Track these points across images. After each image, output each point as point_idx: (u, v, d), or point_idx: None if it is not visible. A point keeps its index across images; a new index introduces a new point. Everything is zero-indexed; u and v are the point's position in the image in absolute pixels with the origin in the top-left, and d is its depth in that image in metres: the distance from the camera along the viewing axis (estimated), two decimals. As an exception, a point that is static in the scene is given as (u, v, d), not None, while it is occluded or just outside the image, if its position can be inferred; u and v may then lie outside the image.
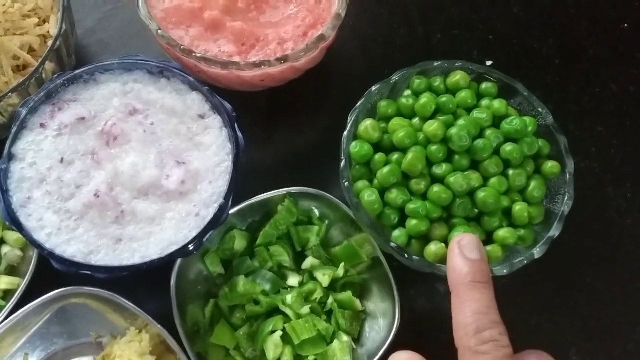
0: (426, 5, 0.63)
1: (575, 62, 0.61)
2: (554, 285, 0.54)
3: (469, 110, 0.48)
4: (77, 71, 0.46)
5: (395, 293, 0.47)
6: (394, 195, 0.45)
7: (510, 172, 0.46)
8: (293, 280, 0.49)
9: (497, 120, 0.47)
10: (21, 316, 0.45)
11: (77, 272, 0.42)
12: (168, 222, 0.43)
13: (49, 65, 0.50)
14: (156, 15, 0.50)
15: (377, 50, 0.61)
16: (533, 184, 0.46)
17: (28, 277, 0.47)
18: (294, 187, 0.50)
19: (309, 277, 0.50)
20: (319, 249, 0.50)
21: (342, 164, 0.46)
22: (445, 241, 0.44)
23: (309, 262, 0.50)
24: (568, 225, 0.46)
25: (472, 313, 0.37)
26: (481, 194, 0.45)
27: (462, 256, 0.40)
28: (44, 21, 0.52)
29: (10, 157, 0.43)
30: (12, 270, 0.50)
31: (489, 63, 0.60)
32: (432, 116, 0.47)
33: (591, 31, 0.63)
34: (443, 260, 0.43)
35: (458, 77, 0.49)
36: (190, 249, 0.43)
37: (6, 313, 0.46)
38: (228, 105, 0.46)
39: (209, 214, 0.44)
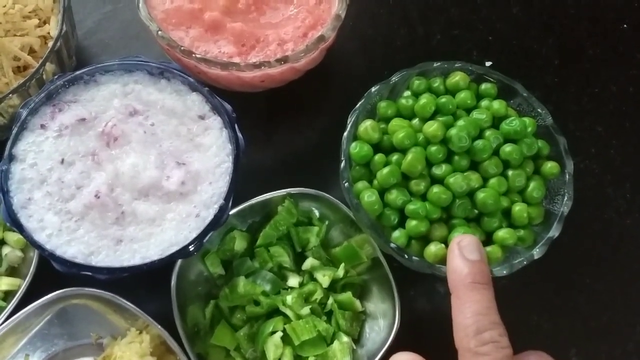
0: (426, 5, 0.63)
1: (575, 63, 0.61)
2: (553, 285, 0.54)
3: (468, 110, 0.48)
4: (78, 72, 0.46)
5: (395, 294, 0.47)
6: (394, 196, 0.45)
7: (510, 172, 0.46)
8: (293, 281, 0.49)
9: (496, 121, 0.48)
10: (22, 317, 0.45)
11: (77, 273, 0.42)
12: (168, 223, 0.43)
13: (50, 66, 0.50)
14: (156, 16, 0.50)
15: (377, 51, 0.61)
16: (532, 184, 0.46)
17: (29, 278, 0.47)
18: (294, 187, 0.50)
19: (309, 278, 0.50)
20: (319, 250, 0.50)
21: (342, 164, 0.47)
22: (445, 242, 0.45)
23: (309, 262, 0.50)
24: (567, 226, 0.46)
25: (472, 314, 0.37)
26: (481, 195, 0.45)
27: (462, 257, 0.40)
28: (45, 22, 0.52)
29: (11, 158, 0.44)
30: (13, 271, 0.50)
31: (488, 63, 0.60)
32: (432, 117, 0.47)
33: (591, 31, 0.63)
34: (443, 261, 0.43)
35: (457, 77, 0.49)
36: (191, 249, 0.43)
37: (7, 314, 0.46)
38: (228, 106, 0.47)
39: (209, 214, 0.44)
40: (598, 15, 0.63)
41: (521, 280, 0.47)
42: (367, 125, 0.47)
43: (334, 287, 0.50)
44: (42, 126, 0.45)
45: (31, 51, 0.51)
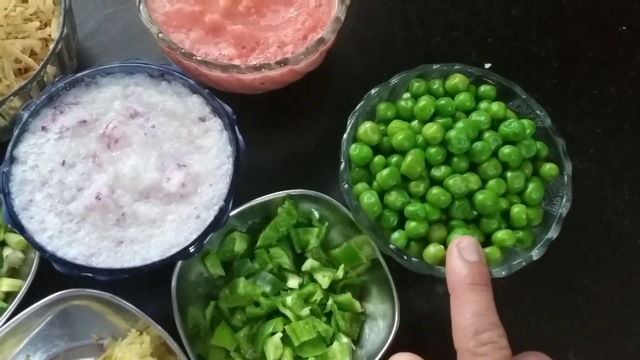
0: (425, 7, 0.63)
1: (574, 65, 0.62)
2: (552, 286, 0.54)
3: (467, 112, 0.48)
4: (79, 74, 0.46)
5: (395, 295, 0.47)
6: (393, 198, 0.45)
7: (509, 174, 0.46)
8: (293, 282, 0.49)
9: (495, 123, 0.48)
10: (23, 318, 0.46)
11: (78, 275, 0.42)
12: (169, 225, 0.44)
13: (51, 69, 0.50)
14: (157, 19, 0.50)
15: (377, 53, 0.61)
16: (531, 186, 0.46)
17: (29, 279, 0.48)
18: (294, 189, 0.50)
19: (309, 279, 0.50)
20: (318, 251, 0.51)
21: (342, 166, 0.47)
22: (444, 243, 0.45)
23: (308, 263, 0.50)
24: (566, 227, 0.46)
25: (471, 315, 0.37)
26: (480, 196, 0.45)
27: (461, 258, 0.40)
28: (46, 24, 0.52)
29: (12, 160, 0.44)
30: (14, 273, 0.51)
31: (487, 65, 0.60)
32: (431, 119, 0.48)
33: (589, 33, 0.63)
34: (442, 262, 0.43)
35: (457, 79, 0.49)
36: (191, 251, 0.43)
37: (8, 315, 0.46)
38: (228, 108, 0.47)
39: (209, 216, 0.44)
40: (597, 17, 0.63)
41: (520, 281, 0.48)
42: (366, 127, 0.47)
43: (333, 288, 0.50)
44: (43, 128, 0.45)
45: (32, 53, 0.51)
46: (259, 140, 0.57)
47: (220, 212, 0.44)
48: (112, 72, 0.47)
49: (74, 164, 0.44)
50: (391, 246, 0.45)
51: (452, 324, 0.38)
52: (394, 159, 0.46)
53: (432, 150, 0.46)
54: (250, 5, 0.52)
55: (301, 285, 0.50)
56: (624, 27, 0.63)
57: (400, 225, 0.46)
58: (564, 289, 0.54)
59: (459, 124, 0.46)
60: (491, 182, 0.46)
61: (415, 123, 0.48)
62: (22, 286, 0.48)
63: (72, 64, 0.55)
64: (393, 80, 0.49)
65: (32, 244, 0.42)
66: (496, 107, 0.48)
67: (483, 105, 0.48)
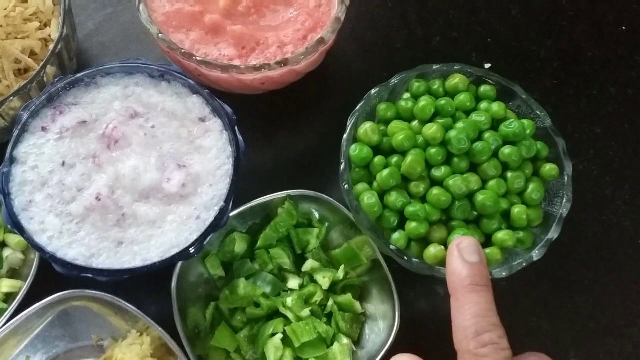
0: (425, 8, 0.63)
1: (574, 65, 0.61)
2: (552, 287, 0.54)
3: (467, 113, 0.48)
4: (78, 75, 0.46)
5: (395, 295, 0.47)
6: (394, 198, 0.45)
7: (509, 174, 0.46)
8: (293, 282, 0.49)
9: (495, 123, 0.48)
10: (23, 319, 0.46)
11: (78, 275, 0.42)
12: (169, 225, 0.44)
13: (50, 69, 0.50)
14: (157, 19, 0.50)
15: (377, 53, 0.61)
16: (532, 186, 0.46)
17: (30, 280, 0.47)
18: (294, 189, 0.50)
19: (309, 280, 0.50)
20: (319, 252, 0.50)
21: (342, 166, 0.47)
22: (445, 244, 0.45)
23: (309, 264, 0.50)
24: (566, 228, 0.46)
25: (471, 316, 0.37)
26: (480, 197, 0.45)
27: (462, 259, 0.40)
28: (45, 25, 0.52)
29: (12, 161, 0.44)
30: (14, 274, 0.51)
31: (487, 66, 0.60)
32: (431, 119, 0.48)
33: (589, 34, 0.63)
34: (442, 262, 0.43)
35: (457, 80, 0.49)
36: (191, 251, 0.43)
37: (8, 316, 0.46)
38: (228, 109, 0.47)
39: (209, 216, 0.44)
40: (597, 18, 0.63)
41: (520, 281, 0.48)
42: (366, 127, 0.47)
43: (334, 288, 0.50)
44: (43, 129, 0.45)
45: (32, 54, 0.51)
46: (259, 141, 0.57)
47: (220, 213, 0.44)
48: (112, 72, 0.47)
49: (74, 165, 0.44)
50: (392, 247, 0.45)
51: (452, 325, 0.38)
52: (394, 159, 0.46)
53: (433, 150, 0.46)
54: (250, 5, 0.52)
55: (301, 286, 0.50)
56: (623, 27, 0.63)
57: (401, 225, 0.46)
58: (564, 289, 0.54)
59: (459, 125, 0.46)
60: (491, 183, 0.46)
61: (415, 123, 0.48)
62: (23, 287, 0.48)
63: (72, 65, 0.55)
64: (393, 80, 0.49)
65: (32, 244, 0.42)
66: (496, 107, 0.48)
67: (483, 105, 0.48)
